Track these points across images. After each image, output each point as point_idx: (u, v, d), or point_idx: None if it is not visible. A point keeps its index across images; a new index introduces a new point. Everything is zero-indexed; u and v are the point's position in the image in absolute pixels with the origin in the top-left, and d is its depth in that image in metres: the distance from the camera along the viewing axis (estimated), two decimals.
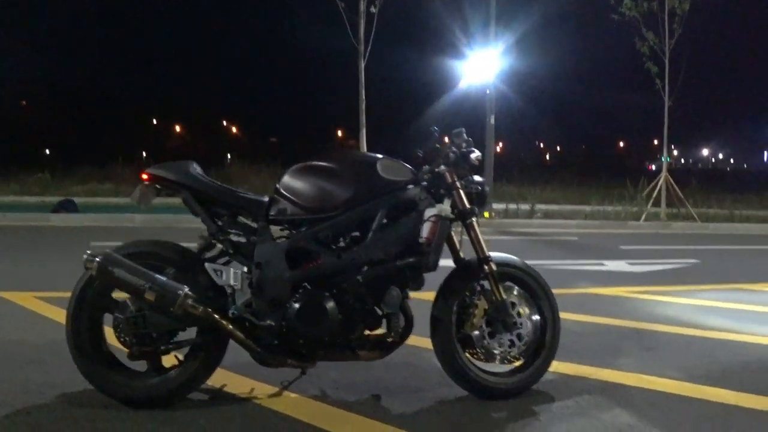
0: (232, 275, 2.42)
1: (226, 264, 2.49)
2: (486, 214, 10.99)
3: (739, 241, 9.41)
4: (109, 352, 2.46)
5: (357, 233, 2.48)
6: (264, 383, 2.64)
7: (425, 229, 2.47)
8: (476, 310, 2.57)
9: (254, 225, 2.50)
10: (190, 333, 2.47)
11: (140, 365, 2.43)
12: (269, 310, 2.36)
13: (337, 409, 2.48)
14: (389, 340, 2.49)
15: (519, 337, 2.62)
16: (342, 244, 2.47)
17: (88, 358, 2.39)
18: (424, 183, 2.58)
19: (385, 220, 2.47)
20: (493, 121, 11.18)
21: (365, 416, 2.40)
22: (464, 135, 2.67)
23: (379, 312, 2.48)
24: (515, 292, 2.65)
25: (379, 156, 2.60)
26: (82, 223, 10.46)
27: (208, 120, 56.52)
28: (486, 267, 2.57)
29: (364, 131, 10.34)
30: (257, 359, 2.45)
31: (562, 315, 4.00)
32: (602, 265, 6.45)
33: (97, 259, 2.28)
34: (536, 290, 2.70)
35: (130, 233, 10.48)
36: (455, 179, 2.58)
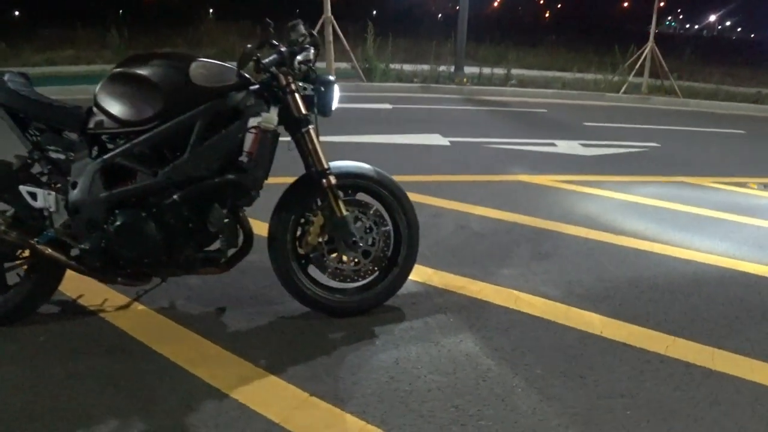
0: (44, 197, 2.22)
1: (47, 183, 2.28)
2: (464, 80, 10.28)
3: (716, 121, 8.87)
4: None
5: (176, 148, 2.18)
6: (121, 294, 2.55)
7: (248, 142, 2.16)
8: (312, 227, 2.30)
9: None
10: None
11: None
12: (87, 232, 2.20)
13: (175, 324, 2.39)
14: (222, 258, 2.32)
15: (366, 254, 2.35)
16: (160, 160, 2.20)
17: None
18: (256, 87, 2.19)
19: (207, 133, 2.16)
20: None
21: (200, 334, 2.31)
22: (301, 28, 2.23)
23: (211, 229, 2.26)
24: (362, 207, 2.38)
25: (194, 59, 2.18)
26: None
27: None
28: (324, 181, 2.25)
29: None
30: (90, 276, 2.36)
31: (472, 207, 3.83)
32: (553, 145, 6.02)
33: None
34: (391, 203, 2.40)
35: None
36: (290, 82, 2.17)
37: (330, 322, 2.40)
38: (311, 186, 2.29)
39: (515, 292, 2.65)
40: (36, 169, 2.31)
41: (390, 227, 2.42)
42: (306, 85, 2.25)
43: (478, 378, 2.02)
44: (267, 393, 1.98)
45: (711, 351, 2.27)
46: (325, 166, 2.25)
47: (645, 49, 10.21)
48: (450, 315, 2.44)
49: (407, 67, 11.08)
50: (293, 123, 2.23)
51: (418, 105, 8.80)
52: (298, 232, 2.35)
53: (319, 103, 2.26)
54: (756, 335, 2.42)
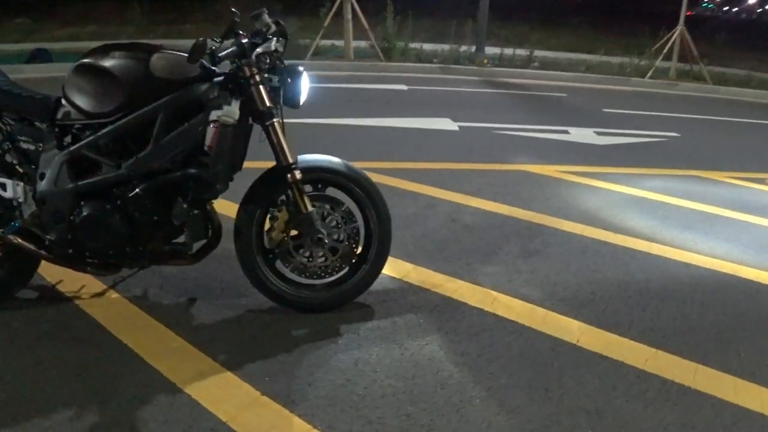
0: (13, 188, 2.23)
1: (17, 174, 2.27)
2: (485, 61, 10.02)
3: (745, 111, 8.46)
4: None
5: (140, 141, 2.15)
6: (98, 281, 2.55)
7: (208, 136, 2.10)
8: (277, 222, 2.24)
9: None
10: None
11: None
12: (53, 223, 2.21)
13: (145, 314, 2.38)
14: (187, 251, 2.29)
15: (333, 250, 2.28)
16: (125, 152, 2.18)
17: None
18: (220, 79, 2.12)
19: (170, 126, 2.13)
20: None
21: (167, 325, 2.30)
22: (265, 18, 2.15)
23: (175, 222, 2.24)
24: (331, 203, 2.31)
25: (156, 50, 2.13)
26: (53, 73, 9.90)
27: None
28: (289, 176, 2.18)
29: None
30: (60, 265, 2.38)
31: (468, 198, 3.72)
32: (566, 132, 5.81)
33: None
34: (361, 199, 2.32)
35: None
36: (254, 73, 2.09)
37: (296, 317, 2.34)
38: (277, 180, 2.22)
39: (494, 292, 2.55)
40: (8, 159, 2.29)
41: (359, 223, 2.33)
42: (272, 77, 2.16)
43: (437, 385, 1.95)
44: (220, 390, 1.94)
45: (694, 367, 2.14)
46: (290, 161, 2.18)
47: (674, 32, 9.76)
48: (420, 315, 2.36)
49: (427, 46, 10.84)
50: (258, 116, 2.14)
51: (435, 87, 8.61)
52: (266, 227, 2.29)
53: (285, 95, 2.19)
54: (747, 351, 2.28)
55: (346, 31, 10.34)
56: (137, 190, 2.13)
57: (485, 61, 10.07)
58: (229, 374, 2.02)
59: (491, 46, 10.86)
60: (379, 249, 2.35)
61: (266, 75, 2.16)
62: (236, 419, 1.80)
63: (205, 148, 2.10)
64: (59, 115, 2.18)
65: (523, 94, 8.32)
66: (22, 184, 2.22)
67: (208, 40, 2.00)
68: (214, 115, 2.07)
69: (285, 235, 2.26)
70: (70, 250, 2.23)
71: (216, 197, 2.27)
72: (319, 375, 2.00)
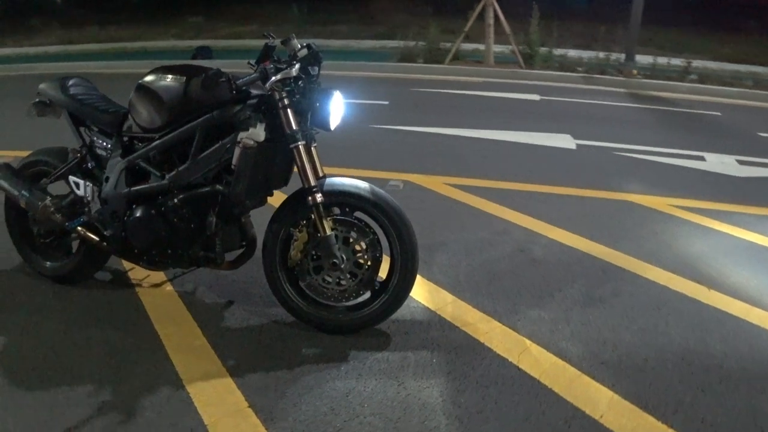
0: (84, 188, 2.55)
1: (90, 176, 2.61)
2: (634, 72, 9.17)
3: None
4: (33, 236, 2.84)
5: (183, 155, 2.35)
6: (164, 274, 2.85)
7: (235, 156, 2.20)
8: (296, 242, 2.28)
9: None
10: None
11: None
12: (111, 221, 2.48)
13: (185, 309, 2.58)
14: (218, 260, 2.44)
15: (353, 275, 2.26)
16: (171, 164, 2.39)
17: (21, 241, 2.86)
18: (253, 101, 2.20)
19: (207, 143, 2.29)
20: None
21: (198, 323, 2.47)
22: (293, 43, 2.19)
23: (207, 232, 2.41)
24: (354, 228, 2.28)
25: (195, 73, 2.27)
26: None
27: None
28: (309, 198, 2.19)
29: None
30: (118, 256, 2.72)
31: (548, 228, 3.46)
32: (701, 159, 5.09)
33: None
34: (385, 227, 2.26)
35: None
36: (282, 96, 2.13)
37: (314, 335, 2.36)
38: (300, 201, 2.24)
39: (527, 341, 2.32)
40: (86, 163, 2.63)
41: (381, 251, 2.27)
42: (302, 100, 2.19)
43: None
44: (215, 393, 2.04)
45: None
46: (312, 183, 2.19)
47: None
48: (436, 354, 2.23)
49: (573, 53, 10.19)
50: (286, 138, 2.18)
51: (571, 98, 8.08)
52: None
53: (315, 118, 2.20)
54: None
55: (486, 36, 10.10)
56: (176, 200, 2.31)
57: (634, 71, 9.19)
58: (229, 380, 2.10)
59: (645, 54, 9.88)
60: (401, 279, 2.26)
61: (297, 97, 2.18)
62: (216, 426, 1.89)
63: (232, 167, 2.19)
64: (124, 128, 2.45)
65: (666, 111, 7.44)
66: (92, 185, 2.53)
67: (224, 71, 2.10)
68: (240, 135, 2.14)
69: (304, 255, 2.28)
70: (123, 246, 2.47)
71: (246, 212, 2.40)
72: (307, 398, 2.00)
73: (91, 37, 17.52)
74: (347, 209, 2.28)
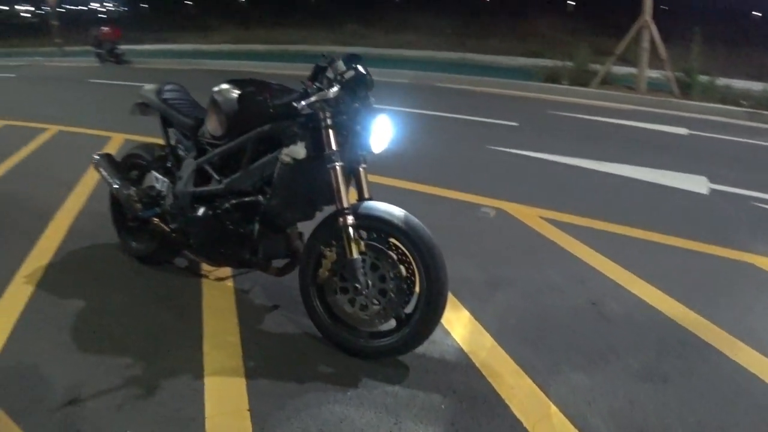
0: (162, 183, 2.86)
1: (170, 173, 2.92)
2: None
3: None
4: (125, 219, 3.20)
5: (240, 163, 2.49)
6: (230, 271, 3.06)
7: (276, 170, 2.31)
8: (325, 261, 2.29)
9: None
10: None
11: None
12: (177, 216, 2.73)
13: (234, 306, 2.75)
14: (262, 265, 2.57)
15: (375, 302, 2.24)
16: (228, 171, 2.56)
17: (116, 222, 3.28)
18: (302, 119, 2.27)
19: (258, 155, 2.42)
20: None
21: (240, 321, 2.62)
22: (338, 65, 2.19)
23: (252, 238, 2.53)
24: (384, 255, 2.24)
25: (246, 90, 2.41)
26: None
27: None
28: (340, 220, 2.19)
29: None
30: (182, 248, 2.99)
31: (639, 283, 3.12)
32: None
33: (93, 160, 3.14)
34: (413, 258, 2.20)
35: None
36: (325, 116, 2.17)
37: (334, 354, 2.38)
38: (334, 222, 2.25)
39: (553, 407, 2.09)
40: (168, 162, 2.94)
41: (409, 283, 2.20)
42: (345, 121, 2.21)
43: None
44: (226, 391, 2.15)
45: None
46: (344, 205, 2.18)
47: None
48: (447, 401, 2.11)
49: (740, 84, 9.01)
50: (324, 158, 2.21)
51: (724, 135, 7.18)
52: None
53: (358, 140, 2.21)
54: None
55: (640, 61, 9.34)
56: (228, 204, 2.47)
57: (745, 103, 7.88)
58: (243, 380, 2.20)
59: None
60: (423, 315, 2.18)
61: (343, 118, 2.19)
62: (213, 419, 1.99)
63: (274, 180, 2.27)
64: (199, 133, 2.67)
65: None
66: (168, 181, 2.80)
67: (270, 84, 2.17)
68: (283, 151, 2.21)
69: (332, 274, 2.28)
70: (186, 239, 2.69)
71: (290, 224, 2.50)
72: (303, 415, 2.02)
73: (259, 38, 19.30)
74: (382, 235, 2.25)
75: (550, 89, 10.31)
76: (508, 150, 6.01)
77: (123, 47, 16.83)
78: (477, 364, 2.33)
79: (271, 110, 2.23)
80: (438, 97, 10.12)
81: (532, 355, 2.41)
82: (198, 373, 2.23)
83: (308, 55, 16.32)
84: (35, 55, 20.45)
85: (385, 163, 5.16)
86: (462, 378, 2.24)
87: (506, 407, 2.08)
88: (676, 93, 8.92)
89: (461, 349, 2.42)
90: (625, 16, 9.80)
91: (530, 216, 4.06)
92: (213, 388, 2.15)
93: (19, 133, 6.70)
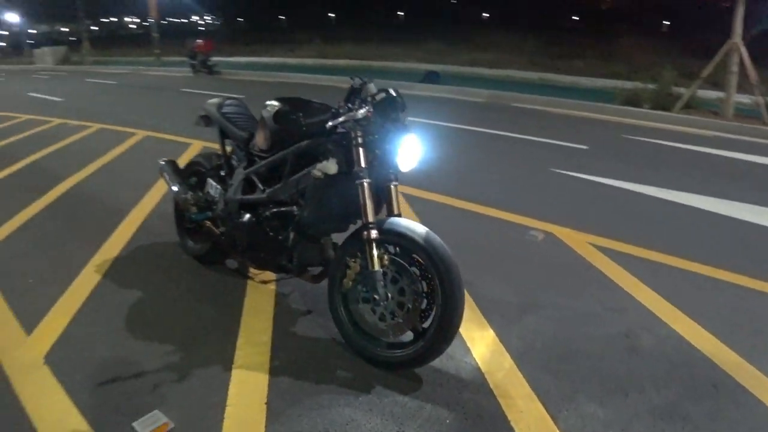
0: (215, 190, 3.12)
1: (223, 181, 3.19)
2: None
3: None
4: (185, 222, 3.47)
5: (282, 175, 2.67)
6: (268, 272, 3.24)
7: (309, 183, 2.46)
8: (349, 271, 2.42)
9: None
10: None
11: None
12: (225, 221, 2.98)
13: (272, 309, 2.93)
14: (296, 272, 2.74)
15: (392, 315, 2.32)
16: (271, 181, 2.75)
17: (177, 223, 3.55)
18: (338, 136, 2.43)
19: (297, 168, 2.57)
20: None
21: (273, 322, 2.82)
22: (369, 87, 2.33)
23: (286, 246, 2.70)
24: (405, 271, 2.33)
25: (282, 108, 2.59)
26: (436, 93, 11.87)
27: None
28: (365, 233, 2.32)
29: None
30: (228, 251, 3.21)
31: (682, 320, 3.04)
32: None
33: (159, 165, 3.49)
34: (430, 275, 2.27)
35: (447, 104, 11.24)
36: (356, 135, 2.31)
37: (354, 360, 2.49)
38: (360, 235, 2.37)
39: None
40: (222, 171, 3.20)
41: (425, 296, 2.28)
42: (374, 140, 2.33)
43: None
44: (249, 385, 2.32)
45: None
46: (370, 220, 2.30)
47: None
48: (453, 416, 2.16)
49: None
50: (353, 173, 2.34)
51: None
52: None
53: (387, 158, 2.33)
54: None
55: (727, 85, 8.86)
56: (268, 212, 2.66)
57: None
58: (266, 377, 2.37)
59: None
60: (436, 331, 2.25)
61: (375, 137, 2.31)
62: (233, 408, 2.16)
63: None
64: (250, 146, 2.89)
65: None
66: (220, 188, 3.04)
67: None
68: (317, 166, 2.37)
69: (355, 284, 2.40)
70: (232, 242, 2.92)
71: (323, 235, 2.65)
72: (314, 414, 2.15)
73: (343, 53, 19.93)
74: (406, 250, 2.34)
75: (628, 112, 9.97)
76: (570, 173, 5.90)
77: (215, 59, 17.98)
78: (491, 384, 2.36)
79: (304, 128, 2.40)
80: (509, 117, 10.05)
81: (549, 381, 2.40)
82: (227, 366, 2.42)
83: (387, 71, 16.70)
84: (136, 64, 22.24)
85: (440, 182, 5.26)
86: (472, 396, 2.28)
87: (511, 430, 2.10)
88: (766, 120, 8.37)
89: (478, 368, 2.46)
90: (717, 37, 9.32)
91: (579, 242, 3.99)
92: (238, 380, 2.32)
93: (111, 137, 7.38)
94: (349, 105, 2.33)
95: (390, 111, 2.31)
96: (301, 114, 2.43)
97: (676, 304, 3.11)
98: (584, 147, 7.35)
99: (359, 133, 2.30)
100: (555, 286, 3.31)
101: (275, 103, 2.66)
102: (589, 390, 2.36)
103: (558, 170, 6.02)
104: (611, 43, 16.16)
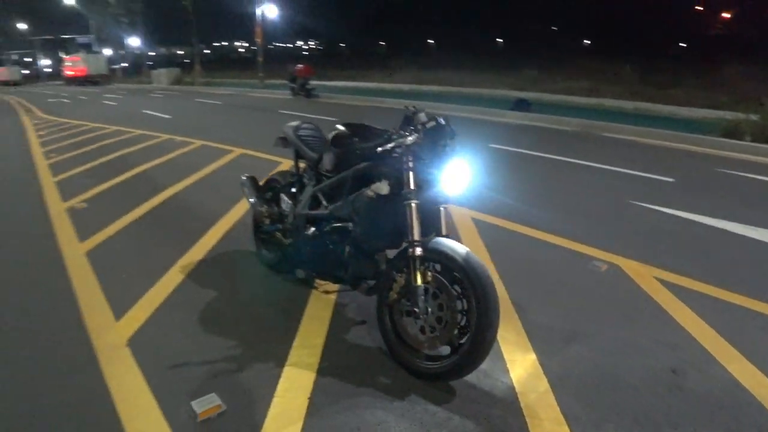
0: (286, 204, 3.44)
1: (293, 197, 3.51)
2: None
3: None
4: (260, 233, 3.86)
5: (343, 194, 2.91)
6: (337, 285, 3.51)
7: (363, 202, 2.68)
8: (395, 285, 2.60)
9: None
10: None
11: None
12: (293, 233, 3.29)
13: (328, 315, 3.21)
14: (351, 284, 2.96)
15: (431, 329, 2.50)
16: (335, 199, 3.00)
17: (254, 234, 3.94)
18: (390, 160, 2.61)
19: (356, 188, 2.79)
20: None
21: (325, 328, 3.07)
22: (420, 116, 2.52)
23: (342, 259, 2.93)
24: (445, 288, 2.49)
25: (340, 133, 2.83)
26: (525, 121, 11.84)
27: None
28: (410, 250, 2.50)
29: None
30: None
31: (736, 358, 2.93)
32: None
33: (241, 180, 3.86)
34: (468, 294, 2.42)
35: (535, 133, 11.13)
36: (408, 160, 2.51)
37: (395, 369, 2.66)
38: (407, 252, 2.55)
39: None
40: (293, 188, 3.52)
41: (461, 312, 2.42)
42: (424, 166, 2.52)
43: None
44: (296, 382, 2.56)
45: None
46: (416, 238, 2.48)
47: None
48: (478, 431, 2.26)
49: None
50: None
51: None
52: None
53: (433, 183, 2.51)
54: None
55: None
56: (329, 227, 2.92)
57: None
58: (313, 375, 2.61)
59: None
60: (470, 348, 2.38)
61: (424, 162, 2.50)
62: (278, 398, 2.42)
63: None
64: (319, 166, 3.17)
65: None
66: (291, 203, 3.35)
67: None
68: (370, 187, 2.59)
69: (400, 297, 2.59)
70: (298, 254, 3.21)
71: (376, 250, 2.82)
72: (349, 413, 2.35)
73: (438, 79, 20.29)
74: (448, 269, 2.49)
75: (726, 144, 9.42)
76: (649, 206, 5.74)
77: (314, 83, 18.99)
78: (522, 404, 2.44)
79: (358, 152, 2.64)
80: (596, 147, 9.83)
81: (581, 409, 2.44)
82: (281, 363, 2.68)
83: (475, 98, 16.82)
84: (241, 85, 23.91)
85: (514, 210, 5.33)
86: (501, 413, 2.37)
87: None
88: None
89: (512, 388, 2.55)
90: None
91: (643, 275, 3.92)
92: (288, 376, 2.58)
93: (211, 153, 8.11)
94: (402, 131, 2.54)
95: (439, 138, 2.49)
96: (357, 139, 2.68)
97: (735, 344, 3.01)
98: (670, 179, 7.07)
99: (410, 158, 2.50)
100: (607, 317, 3.30)
101: (340, 127, 2.92)
102: (620, 422, 2.38)
103: (637, 202, 5.86)
104: (715, 71, 15.27)
